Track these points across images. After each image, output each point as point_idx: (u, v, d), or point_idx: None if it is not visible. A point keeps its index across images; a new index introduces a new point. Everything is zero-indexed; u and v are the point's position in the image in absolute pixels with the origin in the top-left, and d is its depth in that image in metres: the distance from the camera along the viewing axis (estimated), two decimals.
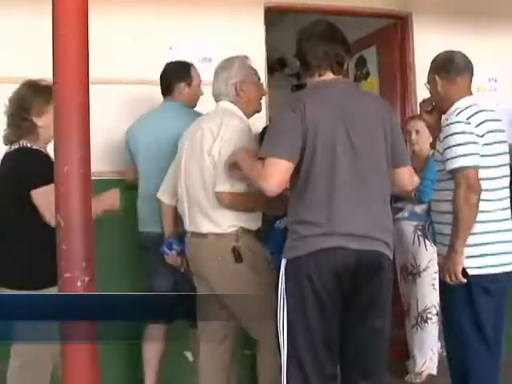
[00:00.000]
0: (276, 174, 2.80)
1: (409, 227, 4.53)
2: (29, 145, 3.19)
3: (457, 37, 4.96)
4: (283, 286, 2.86)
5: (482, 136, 3.14)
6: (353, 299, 2.85)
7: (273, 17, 4.96)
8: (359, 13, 5.16)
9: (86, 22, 2.20)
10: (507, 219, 3.24)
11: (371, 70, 5.92)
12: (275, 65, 7.44)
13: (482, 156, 3.12)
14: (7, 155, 3.25)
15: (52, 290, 3.04)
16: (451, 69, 3.28)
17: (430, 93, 3.41)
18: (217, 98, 3.50)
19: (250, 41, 4.69)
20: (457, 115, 3.18)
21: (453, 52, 3.35)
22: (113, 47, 4.26)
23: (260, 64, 4.73)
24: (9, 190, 3.18)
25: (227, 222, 3.30)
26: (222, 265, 3.31)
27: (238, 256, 3.29)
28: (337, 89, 2.97)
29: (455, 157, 3.10)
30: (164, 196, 3.69)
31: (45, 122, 3.16)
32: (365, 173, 2.85)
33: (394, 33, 5.40)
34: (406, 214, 4.53)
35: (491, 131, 3.19)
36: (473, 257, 3.12)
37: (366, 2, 5.05)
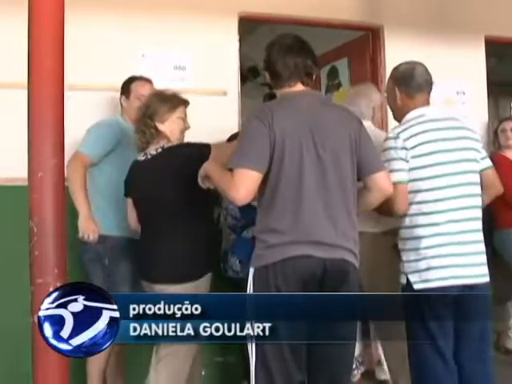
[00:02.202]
0: (244, 185, 2.80)
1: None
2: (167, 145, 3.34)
3: (428, 49, 5.02)
4: None
5: (413, 148, 3.15)
6: None
7: (246, 26, 4.98)
8: (332, 24, 5.20)
9: (62, 29, 2.21)
10: (464, 231, 3.15)
11: (343, 81, 5.97)
12: (247, 73, 7.46)
13: (416, 169, 3.14)
14: (157, 156, 3.34)
15: (205, 280, 3.28)
16: (411, 85, 3.30)
17: (388, 101, 3.44)
18: None
19: (223, 49, 4.72)
20: (393, 130, 3.25)
21: (414, 65, 3.35)
22: (86, 54, 4.26)
23: (233, 73, 4.78)
24: (176, 184, 3.29)
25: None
26: None
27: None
28: (305, 100, 2.99)
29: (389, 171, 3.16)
30: None
31: (168, 127, 3.34)
32: (331, 184, 2.87)
33: (366, 45, 5.46)
34: None
35: (431, 141, 3.16)
36: (418, 271, 3.12)
37: (339, 14, 5.09)
